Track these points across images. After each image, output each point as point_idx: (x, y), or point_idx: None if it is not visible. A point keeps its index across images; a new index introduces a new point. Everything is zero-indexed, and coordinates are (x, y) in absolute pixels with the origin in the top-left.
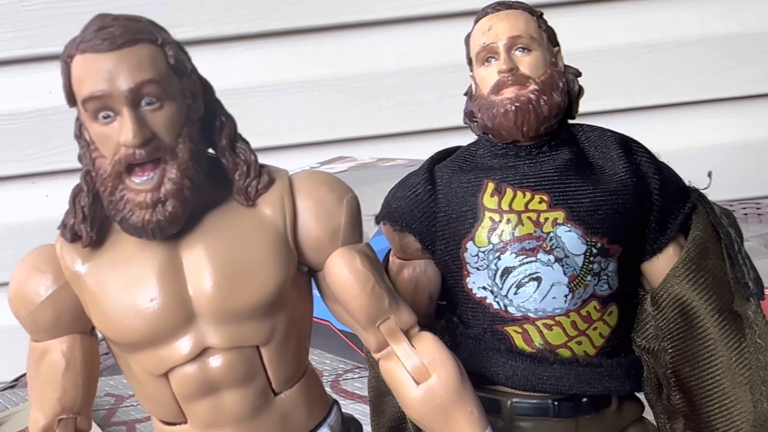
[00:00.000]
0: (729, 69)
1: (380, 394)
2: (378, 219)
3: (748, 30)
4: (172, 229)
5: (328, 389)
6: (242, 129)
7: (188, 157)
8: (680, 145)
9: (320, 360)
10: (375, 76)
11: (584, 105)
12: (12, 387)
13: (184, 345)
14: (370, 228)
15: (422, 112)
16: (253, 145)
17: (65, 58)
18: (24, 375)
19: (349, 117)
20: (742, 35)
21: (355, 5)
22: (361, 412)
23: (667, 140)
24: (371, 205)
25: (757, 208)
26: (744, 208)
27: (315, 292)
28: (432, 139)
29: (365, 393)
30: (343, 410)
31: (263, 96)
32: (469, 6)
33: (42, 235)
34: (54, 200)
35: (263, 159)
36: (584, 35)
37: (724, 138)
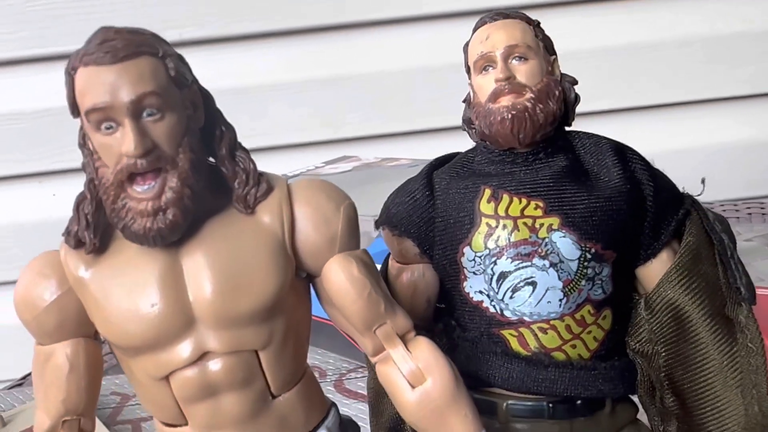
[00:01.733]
0: (735, 67)
1: (379, 395)
2: (377, 224)
3: (754, 29)
4: (173, 236)
5: (331, 388)
6: (248, 128)
7: (188, 166)
8: (685, 144)
9: (324, 359)
10: (379, 75)
11: (587, 105)
12: (19, 385)
13: (184, 349)
14: (373, 228)
15: (427, 112)
16: (259, 144)
17: (69, 70)
18: (30, 373)
19: (353, 116)
20: (748, 34)
21: (362, 4)
22: (364, 411)
23: (672, 139)
24: (375, 204)
25: (762, 208)
26: (748, 208)
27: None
28: (436, 139)
29: None
30: (346, 410)
31: (269, 95)
32: (475, 5)
33: (49, 234)
34: (61, 199)
35: (269, 158)
36: (587, 35)
37: (729, 137)
